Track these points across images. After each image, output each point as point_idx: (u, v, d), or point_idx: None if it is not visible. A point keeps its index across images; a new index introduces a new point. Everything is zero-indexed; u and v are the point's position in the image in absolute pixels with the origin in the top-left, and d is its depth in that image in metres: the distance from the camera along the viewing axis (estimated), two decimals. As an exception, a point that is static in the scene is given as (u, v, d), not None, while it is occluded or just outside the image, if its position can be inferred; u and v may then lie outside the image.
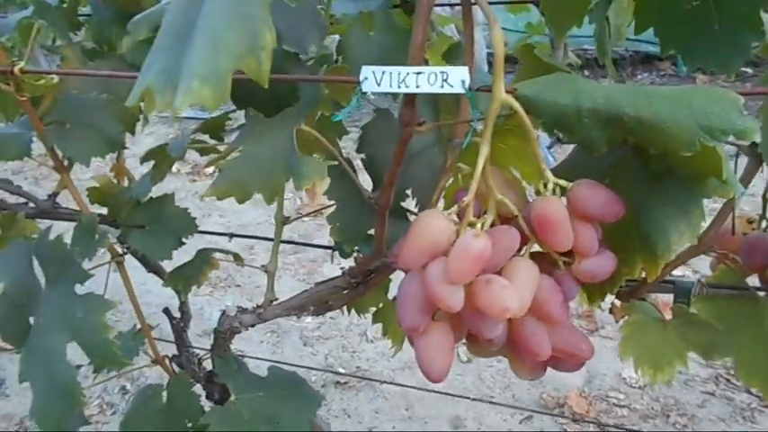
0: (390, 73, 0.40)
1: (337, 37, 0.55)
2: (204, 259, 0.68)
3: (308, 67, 0.56)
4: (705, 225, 0.45)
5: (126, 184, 0.82)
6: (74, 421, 0.65)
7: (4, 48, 0.58)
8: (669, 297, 0.58)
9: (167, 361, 0.75)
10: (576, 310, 2.03)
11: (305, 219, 2.71)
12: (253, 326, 0.64)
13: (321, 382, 1.82)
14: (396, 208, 0.57)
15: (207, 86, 0.28)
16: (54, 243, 0.54)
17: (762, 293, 0.55)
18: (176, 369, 0.81)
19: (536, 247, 0.42)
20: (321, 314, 0.62)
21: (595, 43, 0.51)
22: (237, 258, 0.70)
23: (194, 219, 0.67)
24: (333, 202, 0.57)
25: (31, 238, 0.63)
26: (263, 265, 0.64)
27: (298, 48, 0.51)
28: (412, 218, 0.60)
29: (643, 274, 0.43)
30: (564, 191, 0.40)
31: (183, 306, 0.88)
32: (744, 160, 0.49)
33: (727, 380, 1.75)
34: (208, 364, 0.80)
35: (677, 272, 0.58)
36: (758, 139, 0.32)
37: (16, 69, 0.52)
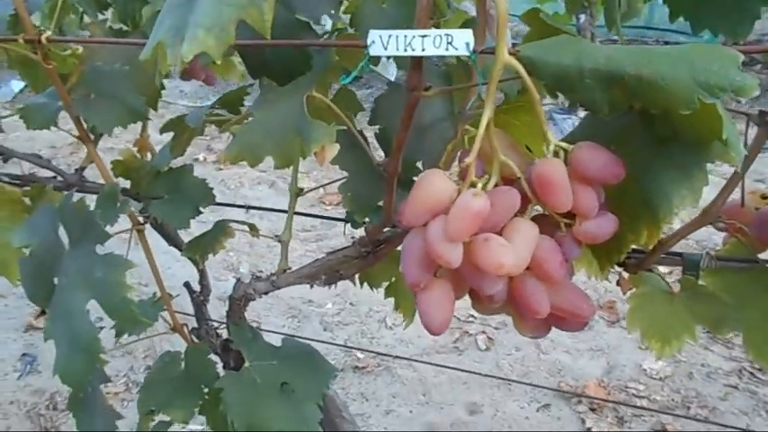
0: (397, 36, 0.41)
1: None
2: (221, 228, 0.70)
3: (321, 38, 0.57)
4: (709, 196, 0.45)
5: (149, 158, 0.85)
6: (95, 378, 0.68)
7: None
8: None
9: (186, 330, 0.78)
10: (597, 301, 2.02)
11: (327, 208, 2.74)
12: (266, 293, 0.66)
13: (340, 366, 1.85)
14: (406, 180, 0.57)
15: (211, 35, 0.29)
16: (77, 205, 0.56)
17: (773, 267, 0.54)
18: (195, 340, 0.83)
19: (540, 211, 0.42)
20: (332, 283, 0.64)
21: (604, 13, 0.51)
22: (253, 229, 0.72)
23: (212, 189, 0.69)
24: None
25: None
26: (276, 235, 0.66)
27: (310, 16, 0.52)
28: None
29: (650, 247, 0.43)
30: (567, 154, 0.40)
31: (203, 280, 0.90)
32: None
33: (752, 373, 1.72)
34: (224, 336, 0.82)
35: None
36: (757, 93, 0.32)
37: (43, 38, 0.54)
